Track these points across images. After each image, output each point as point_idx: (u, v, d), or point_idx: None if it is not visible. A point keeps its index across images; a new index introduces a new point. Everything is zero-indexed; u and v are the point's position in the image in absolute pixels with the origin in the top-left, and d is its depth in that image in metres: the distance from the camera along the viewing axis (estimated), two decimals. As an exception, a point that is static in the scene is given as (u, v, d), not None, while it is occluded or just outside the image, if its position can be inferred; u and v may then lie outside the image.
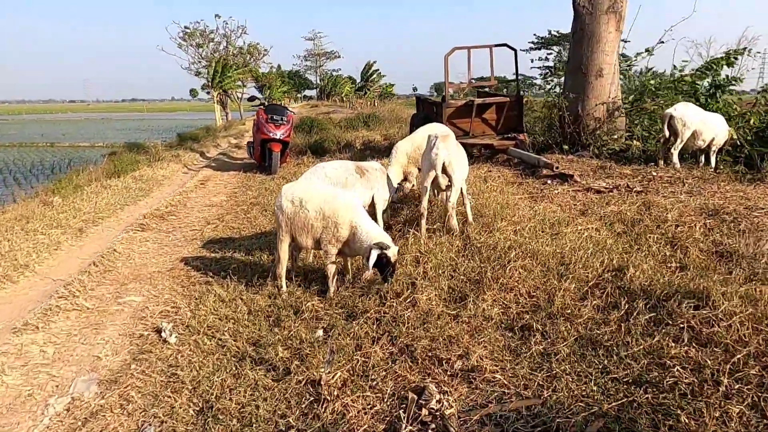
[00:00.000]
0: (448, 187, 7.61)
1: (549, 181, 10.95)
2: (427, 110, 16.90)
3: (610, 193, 9.43)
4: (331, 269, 6.63)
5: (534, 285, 5.55)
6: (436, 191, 8.16)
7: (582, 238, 6.80)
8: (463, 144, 9.49)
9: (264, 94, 64.30)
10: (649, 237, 6.32)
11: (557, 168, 11.10)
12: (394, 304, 5.63)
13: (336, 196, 6.69)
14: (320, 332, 5.50)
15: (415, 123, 16.43)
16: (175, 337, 5.96)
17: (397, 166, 10.45)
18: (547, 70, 23.65)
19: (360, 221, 6.45)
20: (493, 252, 6.62)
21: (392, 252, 6.06)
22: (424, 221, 7.57)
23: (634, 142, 13.93)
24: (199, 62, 47.72)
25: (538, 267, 5.65)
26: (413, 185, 10.84)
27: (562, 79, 16.57)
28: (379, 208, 8.74)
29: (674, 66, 16.57)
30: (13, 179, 23.84)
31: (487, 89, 17.73)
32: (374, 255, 6.13)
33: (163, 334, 6.05)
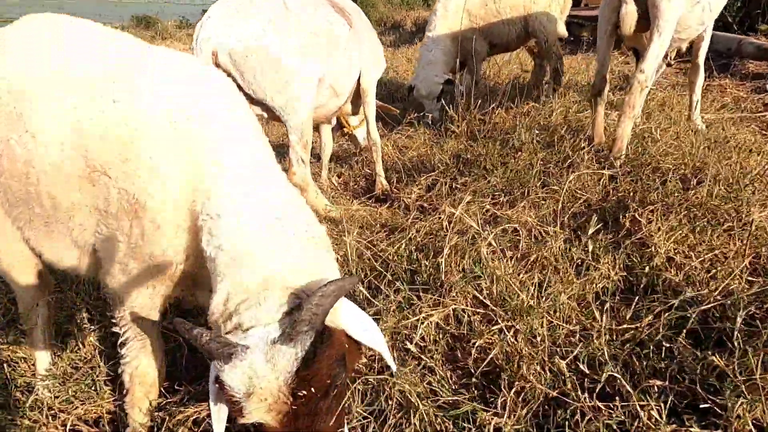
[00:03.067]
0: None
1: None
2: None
3: None
4: (137, 371, 1.92)
5: None
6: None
7: None
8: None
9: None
10: None
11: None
12: None
13: (138, 86, 1.73)
14: None
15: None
16: None
17: (447, 37, 5.02)
18: None
19: (225, 203, 1.62)
20: None
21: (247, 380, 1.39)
22: (601, 110, 3.83)
23: None
24: None
25: None
26: (476, 80, 5.35)
27: None
28: (372, 106, 3.86)
29: None
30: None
31: None
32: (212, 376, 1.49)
33: None
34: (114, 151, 1.65)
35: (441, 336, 2.12)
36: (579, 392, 1.72)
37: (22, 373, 2.50)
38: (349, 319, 1.54)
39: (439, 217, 2.88)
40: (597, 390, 1.70)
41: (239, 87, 2.79)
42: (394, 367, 1.65)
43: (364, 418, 1.78)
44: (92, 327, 2.68)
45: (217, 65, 2.89)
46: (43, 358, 2.40)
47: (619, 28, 3.43)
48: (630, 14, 3.29)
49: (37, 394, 2.26)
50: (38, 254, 2.04)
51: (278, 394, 1.37)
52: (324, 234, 1.70)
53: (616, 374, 1.66)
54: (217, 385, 1.45)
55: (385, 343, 1.61)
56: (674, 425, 1.52)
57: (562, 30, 5.52)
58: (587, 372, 1.80)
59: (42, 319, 2.37)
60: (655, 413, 1.53)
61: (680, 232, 2.35)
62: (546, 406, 1.73)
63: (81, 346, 2.56)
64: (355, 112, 4.27)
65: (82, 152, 1.67)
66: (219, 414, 1.54)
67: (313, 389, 1.39)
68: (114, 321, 1.89)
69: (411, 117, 4.88)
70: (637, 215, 2.51)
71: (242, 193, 1.62)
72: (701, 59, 4.14)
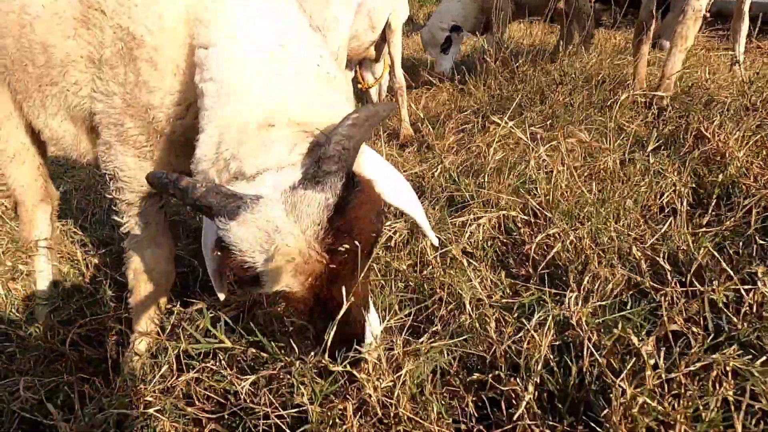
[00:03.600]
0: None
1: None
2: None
3: None
4: (142, 264, 1.69)
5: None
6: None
7: None
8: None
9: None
10: None
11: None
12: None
13: None
14: None
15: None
16: None
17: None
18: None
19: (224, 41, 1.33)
20: None
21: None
22: (646, 50, 3.45)
23: None
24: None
25: None
26: (498, 42, 5.11)
27: None
28: (398, 47, 3.77)
29: None
30: None
31: None
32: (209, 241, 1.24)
33: None
34: None
35: (489, 245, 1.88)
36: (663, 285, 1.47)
37: (18, 296, 2.28)
38: (378, 174, 1.22)
39: (478, 146, 2.65)
40: (687, 280, 1.44)
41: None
42: (435, 241, 1.37)
43: (407, 315, 1.53)
44: (99, 251, 2.46)
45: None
46: (43, 278, 2.18)
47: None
48: None
49: (32, 311, 2.04)
50: (38, 132, 1.83)
51: (308, 252, 1.08)
52: (345, 80, 1.46)
53: (714, 252, 1.40)
54: (218, 252, 1.16)
55: (423, 211, 1.33)
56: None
57: (590, -9, 5.30)
58: (669, 269, 1.54)
59: (44, 234, 2.17)
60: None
61: (755, 139, 2.09)
62: (624, 298, 1.47)
63: (86, 268, 2.34)
64: (377, 59, 4.08)
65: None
66: (222, 282, 1.30)
67: (356, 242, 1.10)
68: (115, 209, 1.65)
69: (425, 74, 4.64)
70: (702, 128, 2.26)
71: (243, 19, 1.36)
72: (746, 5, 3.90)
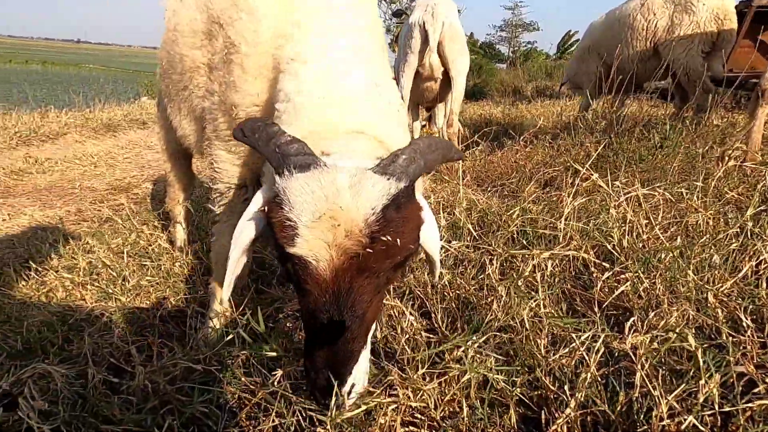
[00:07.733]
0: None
1: None
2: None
3: None
4: (224, 249, 1.70)
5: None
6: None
7: None
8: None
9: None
10: None
11: None
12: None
13: None
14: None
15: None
16: None
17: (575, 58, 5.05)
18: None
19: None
20: None
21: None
22: (762, 115, 3.15)
23: None
24: (391, 19, 45.92)
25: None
26: (585, 105, 5.06)
27: None
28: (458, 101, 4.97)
29: None
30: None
31: None
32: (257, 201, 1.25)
33: None
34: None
35: (555, 281, 1.85)
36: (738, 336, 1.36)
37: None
38: (426, 214, 1.26)
39: (559, 195, 2.63)
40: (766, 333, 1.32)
41: (445, 50, 4.72)
42: (435, 279, 1.58)
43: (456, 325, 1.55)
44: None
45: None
46: (179, 239, 2.82)
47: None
48: None
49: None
50: (179, 137, 2.18)
51: (353, 227, 1.05)
52: (406, 115, 1.59)
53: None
54: (264, 208, 1.17)
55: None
56: None
57: (717, 68, 4.98)
58: (748, 323, 1.43)
59: (182, 216, 2.81)
60: None
61: None
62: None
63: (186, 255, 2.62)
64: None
65: (207, 3, 1.77)
66: (238, 263, 1.28)
67: (399, 240, 1.08)
68: (209, 197, 1.88)
69: (529, 135, 4.70)
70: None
71: (330, 41, 1.49)
72: None
